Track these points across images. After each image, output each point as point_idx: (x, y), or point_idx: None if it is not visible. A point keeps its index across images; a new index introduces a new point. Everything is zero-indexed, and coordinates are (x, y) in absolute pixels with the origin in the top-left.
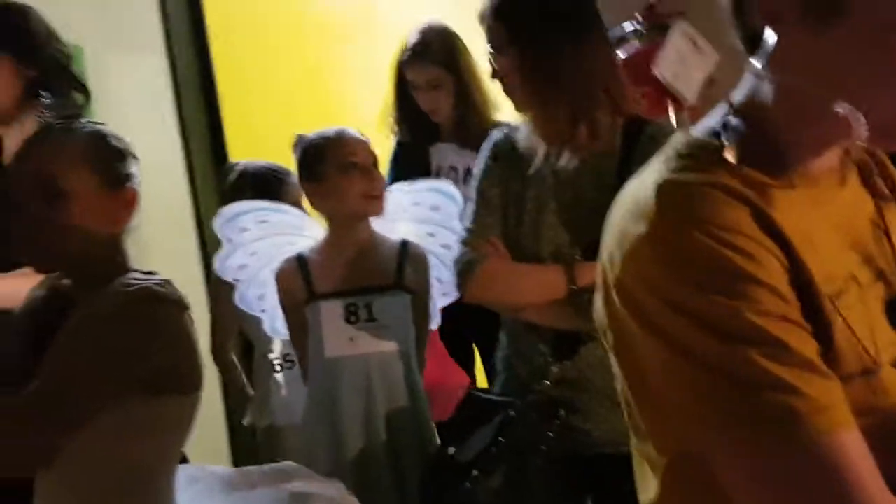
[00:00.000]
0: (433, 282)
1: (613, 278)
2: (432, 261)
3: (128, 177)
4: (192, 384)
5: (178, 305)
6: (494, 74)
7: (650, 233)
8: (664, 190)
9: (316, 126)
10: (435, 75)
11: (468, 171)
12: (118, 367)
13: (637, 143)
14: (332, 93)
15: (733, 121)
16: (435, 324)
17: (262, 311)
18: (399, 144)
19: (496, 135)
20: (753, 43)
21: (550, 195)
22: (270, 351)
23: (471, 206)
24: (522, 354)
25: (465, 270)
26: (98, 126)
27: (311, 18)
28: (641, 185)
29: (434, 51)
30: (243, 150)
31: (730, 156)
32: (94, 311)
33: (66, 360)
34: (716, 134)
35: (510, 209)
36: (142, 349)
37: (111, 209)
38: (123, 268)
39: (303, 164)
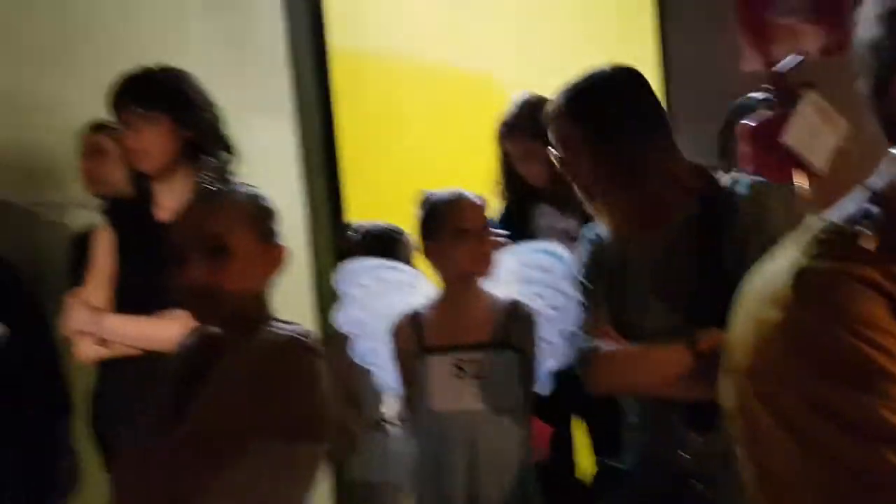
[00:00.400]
0: (541, 343)
1: (745, 365)
2: (541, 321)
3: (278, 235)
4: (324, 432)
5: (317, 354)
6: (565, 171)
7: (785, 322)
8: (802, 278)
9: (430, 187)
10: (527, 147)
11: (568, 234)
12: (261, 412)
13: (715, 202)
14: (446, 157)
15: (872, 209)
16: (544, 388)
17: (375, 364)
18: (507, 207)
19: (587, 234)
20: (892, 128)
21: (646, 274)
22: (379, 405)
23: (579, 302)
24: (654, 425)
25: (586, 363)
26: (253, 188)
27: (433, 86)
28: (776, 271)
29: (525, 124)
30: (360, 211)
31: (869, 245)
32: (241, 358)
33: (214, 405)
34: (854, 221)
35: (614, 296)
36: (283, 396)
37: (263, 265)
38: (268, 317)
39: (423, 222)
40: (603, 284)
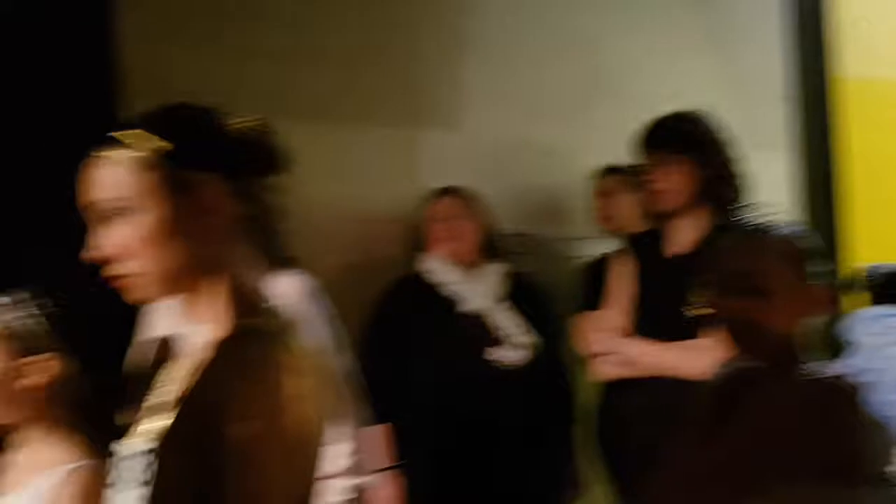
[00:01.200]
0: None
1: None
2: None
3: (816, 275)
4: (858, 479)
5: (856, 399)
6: None
7: None
8: None
9: None
10: None
11: None
12: (798, 453)
13: None
14: None
15: None
16: None
17: (889, 417)
18: None
19: None
20: None
21: None
22: (888, 461)
23: None
24: None
25: None
26: (794, 227)
27: None
28: None
29: None
30: (870, 250)
31: None
32: (782, 396)
33: (750, 438)
34: None
35: None
36: (820, 438)
37: (802, 305)
38: (803, 357)
39: None
40: None
